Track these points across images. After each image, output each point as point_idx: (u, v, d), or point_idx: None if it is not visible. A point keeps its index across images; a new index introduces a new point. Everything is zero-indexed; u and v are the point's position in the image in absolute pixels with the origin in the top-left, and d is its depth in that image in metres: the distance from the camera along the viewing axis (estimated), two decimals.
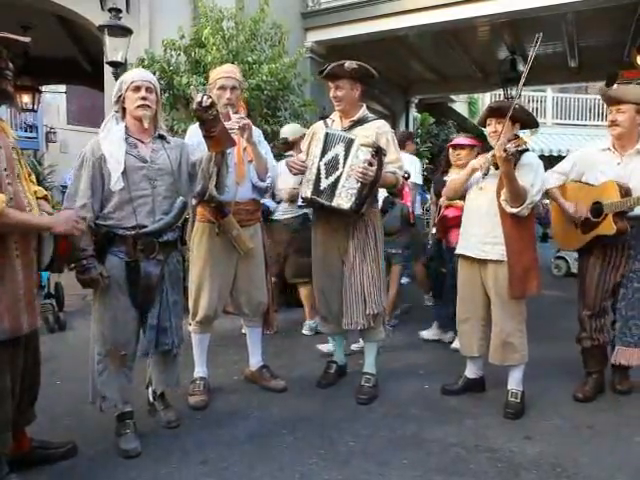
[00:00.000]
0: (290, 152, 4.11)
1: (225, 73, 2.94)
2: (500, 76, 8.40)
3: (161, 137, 2.58)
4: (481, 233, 2.86)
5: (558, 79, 9.56)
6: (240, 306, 3.13)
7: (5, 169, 2.00)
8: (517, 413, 2.84)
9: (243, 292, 3.08)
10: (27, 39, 2.03)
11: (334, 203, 2.83)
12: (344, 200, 2.80)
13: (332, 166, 2.86)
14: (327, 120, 3.15)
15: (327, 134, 2.91)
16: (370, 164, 2.75)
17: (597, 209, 2.98)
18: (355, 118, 3.03)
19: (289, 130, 4.32)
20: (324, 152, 2.88)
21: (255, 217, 3.13)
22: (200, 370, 3.10)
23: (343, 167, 2.82)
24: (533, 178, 2.76)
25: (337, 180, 2.83)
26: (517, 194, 2.69)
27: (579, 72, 8.57)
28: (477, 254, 2.88)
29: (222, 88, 2.91)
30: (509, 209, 2.73)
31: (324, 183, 2.87)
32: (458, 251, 3.03)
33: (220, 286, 3.00)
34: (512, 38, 7.61)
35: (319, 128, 3.06)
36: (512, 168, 2.66)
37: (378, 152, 2.79)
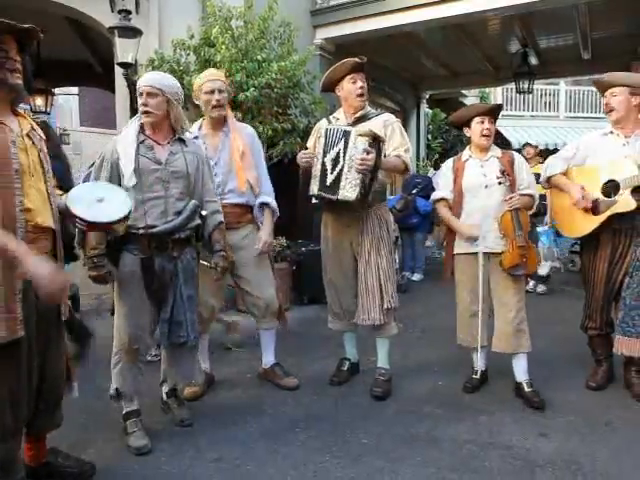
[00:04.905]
0: None
1: (211, 77, 2.99)
2: (512, 70, 8.30)
3: (180, 140, 2.59)
4: (495, 228, 2.94)
5: (571, 72, 9.40)
6: (249, 308, 3.18)
7: None
8: (542, 403, 2.86)
9: (250, 295, 3.11)
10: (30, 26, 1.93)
11: (340, 196, 2.83)
12: (349, 192, 2.80)
13: (335, 160, 2.85)
14: (331, 118, 3.17)
15: (327, 130, 2.92)
16: (368, 152, 2.74)
17: (608, 189, 2.94)
18: (358, 115, 3.05)
19: None
20: (326, 148, 2.89)
21: (246, 219, 3.11)
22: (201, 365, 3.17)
23: (344, 159, 2.82)
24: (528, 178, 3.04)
25: (340, 173, 2.83)
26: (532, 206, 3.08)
27: (592, 64, 8.41)
28: (494, 248, 2.96)
29: (210, 92, 2.94)
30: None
31: (329, 178, 2.87)
32: (472, 249, 3.01)
33: (214, 292, 3.03)
34: (523, 31, 7.49)
35: (322, 126, 3.07)
36: (525, 201, 2.97)
37: (375, 140, 2.78)
